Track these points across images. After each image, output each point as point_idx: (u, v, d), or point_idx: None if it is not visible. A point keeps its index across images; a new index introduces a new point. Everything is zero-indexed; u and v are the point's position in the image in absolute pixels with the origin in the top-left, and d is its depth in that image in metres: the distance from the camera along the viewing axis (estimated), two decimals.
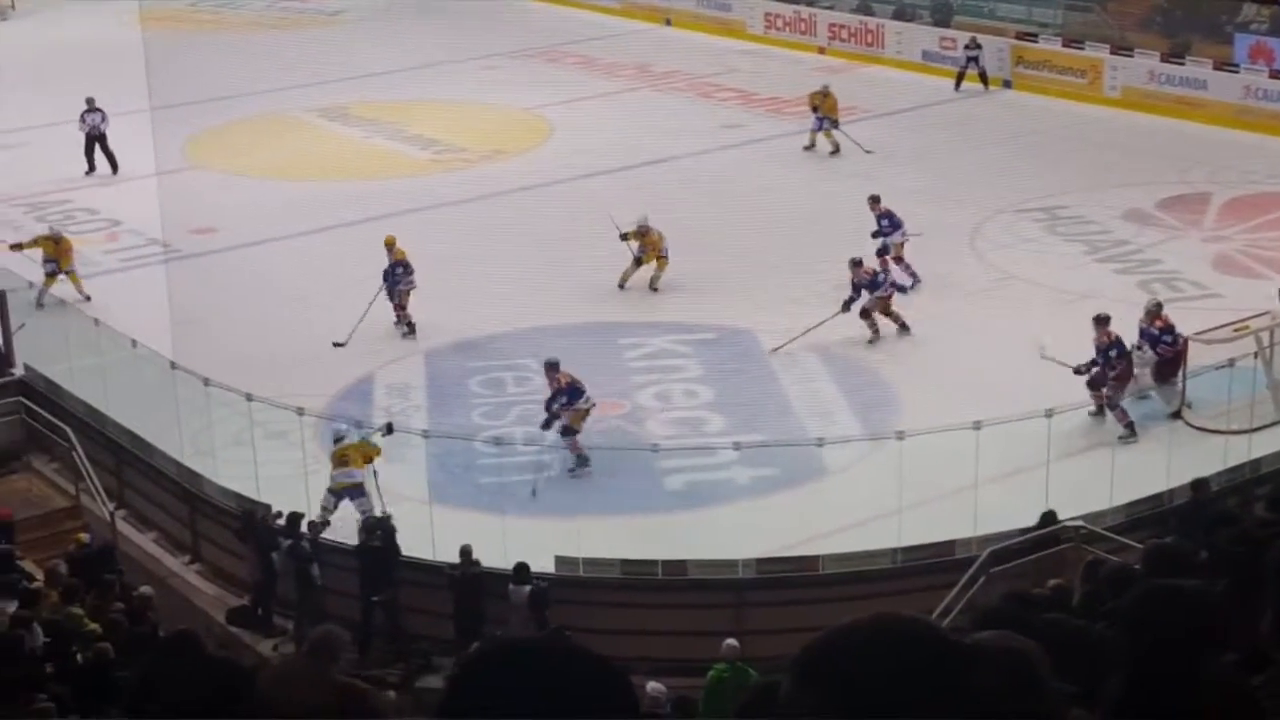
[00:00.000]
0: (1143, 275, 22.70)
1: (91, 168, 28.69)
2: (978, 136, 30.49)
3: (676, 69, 36.28)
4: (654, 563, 15.73)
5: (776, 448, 17.70)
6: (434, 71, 36.45)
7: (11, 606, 13.46)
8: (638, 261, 22.62)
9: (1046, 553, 15.14)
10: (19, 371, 20.52)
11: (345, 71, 36.19)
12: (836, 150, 28.89)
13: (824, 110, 29.15)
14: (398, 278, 21.45)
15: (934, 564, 15.45)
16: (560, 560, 15.72)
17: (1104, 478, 16.18)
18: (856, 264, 20.56)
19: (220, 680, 3.39)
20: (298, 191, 28.21)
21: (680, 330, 21.47)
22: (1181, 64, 31.30)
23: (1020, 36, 34.32)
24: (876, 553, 15.59)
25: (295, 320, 22.04)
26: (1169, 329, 18.48)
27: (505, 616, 15.30)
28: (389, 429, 17.61)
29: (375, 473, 16.91)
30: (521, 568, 15.28)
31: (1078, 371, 17.97)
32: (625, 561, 15.76)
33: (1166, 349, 18.41)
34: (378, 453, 17.26)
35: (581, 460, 17.75)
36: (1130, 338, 18.46)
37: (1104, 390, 18.00)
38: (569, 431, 17.86)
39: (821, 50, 37.16)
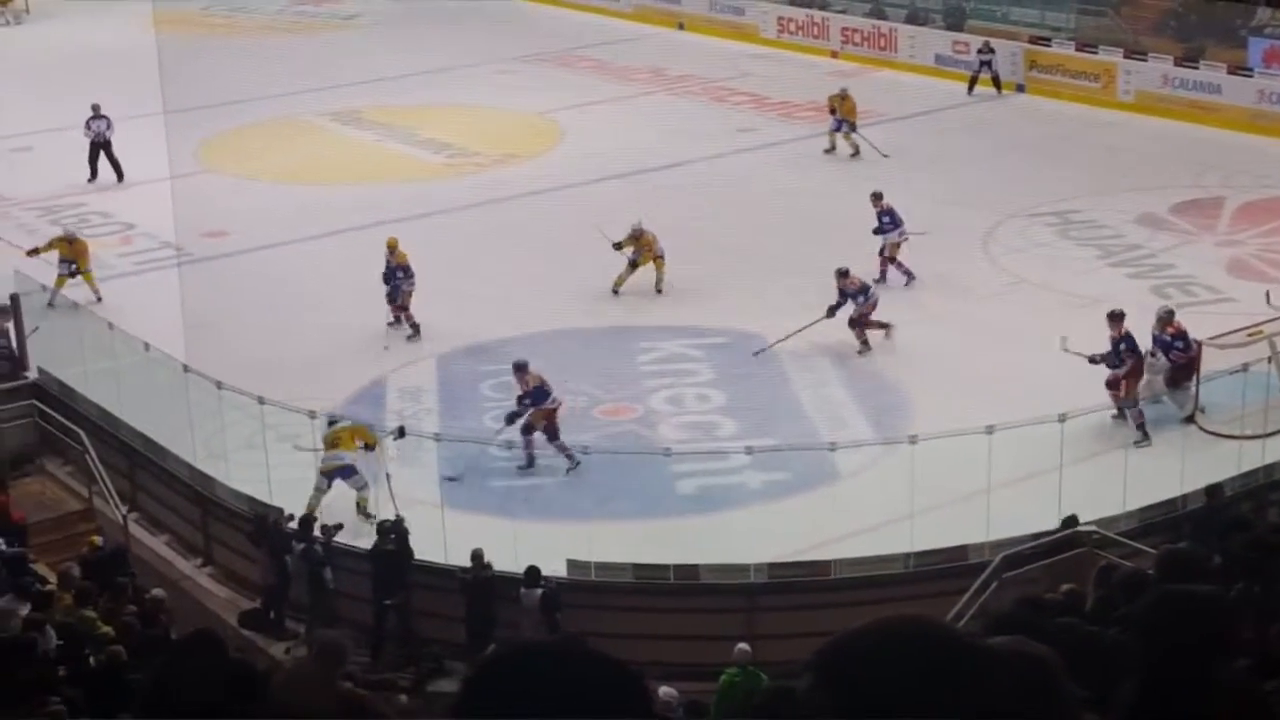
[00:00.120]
0: (1156, 280, 22.66)
1: (94, 175, 28.60)
2: (990, 141, 30.45)
3: (689, 73, 36.30)
4: (666, 567, 15.72)
5: (788, 452, 17.69)
6: (447, 76, 36.51)
7: (24, 609, 13.49)
8: (633, 265, 22.64)
9: (1059, 558, 15.10)
10: (33, 375, 20.57)
11: (358, 76, 36.24)
12: (857, 153, 28.90)
13: (842, 113, 29.18)
14: (399, 281, 21.50)
15: (946, 569, 15.42)
16: (572, 564, 15.71)
17: (1117, 483, 16.14)
18: (843, 274, 20.57)
19: (237, 681, 3.39)
20: (310, 195, 28.25)
21: (692, 334, 21.46)
22: (1195, 68, 31.24)
23: (1033, 41, 34.28)
24: (889, 557, 15.56)
25: (308, 324, 22.06)
26: (1180, 335, 18.45)
27: (516, 620, 15.30)
28: (401, 433, 17.64)
29: (389, 476, 16.92)
30: (532, 571, 15.28)
31: (1093, 360, 18.05)
32: (637, 566, 15.76)
33: (1179, 355, 18.38)
34: (374, 440, 17.38)
35: (529, 460, 17.95)
36: (1143, 343, 18.45)
37: (1120, 386, 18.04)
38: (529, 429, 17.96)
39: (834, 54, 37.16)
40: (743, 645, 13.86)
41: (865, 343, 20.54)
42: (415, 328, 21.47)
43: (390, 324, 21.60)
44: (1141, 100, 31.61)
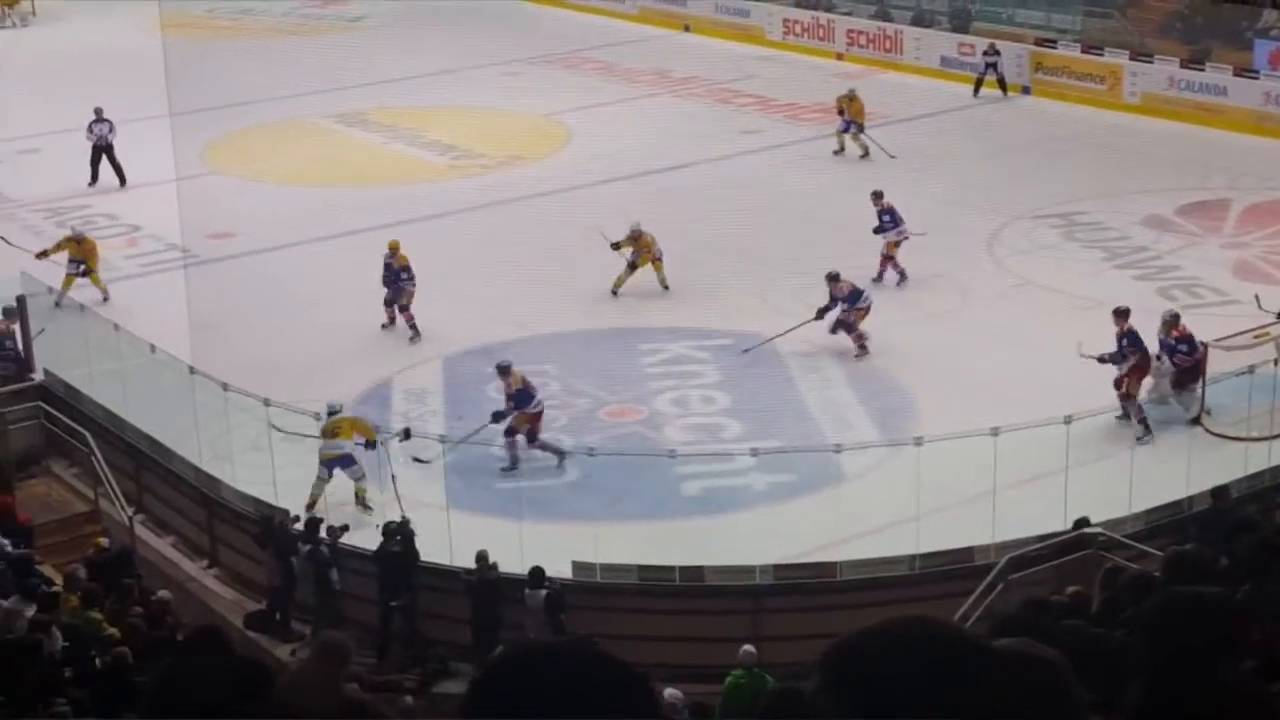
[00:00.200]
0: (1162, 282, 22.64)
1: (94, 179, 28.54)
2: (996, 142, 30.44)
3: (695, 75, 36.30)
4: (671, 569, 15.73)
5: (794, 454, 17.69)
6: (453, 77, 36.52)
7: (30, 610, 13.50)
8: (631, 267, 22.67)
9: (1065, 560, 15.09)
10: (39, 376, 20.59)
11: (364, 78, 36.27)
12: (866, 154, 28.92)
13: (850, 114, 29.22)
14: (403, 283, 21.54)
15: (952, 571, 15.41)
16: (577, 566, 15.72)
17: (1123, 484, 16.12)
18: (833, 279, 20.57)
19: (245, 679, 3.39)
20: (316, 197, 28.27)
21: (698, 336, 21.47)
22: (1201, 70, 31.22)
23: (1039, 43, 34.26)
24: (894, 559, 15.55)
25: (313, 325, 22.08)
26: (1185, 339, 18.46)
27: (521, 621, 15.30)
28: (407, 434, 17.66)
29: (395, 478, 16.93)
30: (536, 572, 15.29)
31: (1102, 360, 18.11)
32: (642, 567, 15.76)
33: (1183, 359, 18.38)
34: (372, 435, 17.48)
35: (513, 462, 18.05)
36: (1150, 346, 18.47)
37: (1123, 384, 18.09)
38: (511, 432, 18.06)
39: (840, 56, 37.15)
40: (748, 647, 13.86)
41: (863, 346, 20.51)
42: (415, 329, 21.52)
43: (384, 326, 21.64)
44: (1147, 102, 31.59)
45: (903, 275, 22.78)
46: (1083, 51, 33.31)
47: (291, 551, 16.35)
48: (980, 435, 15.79)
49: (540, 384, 20.21)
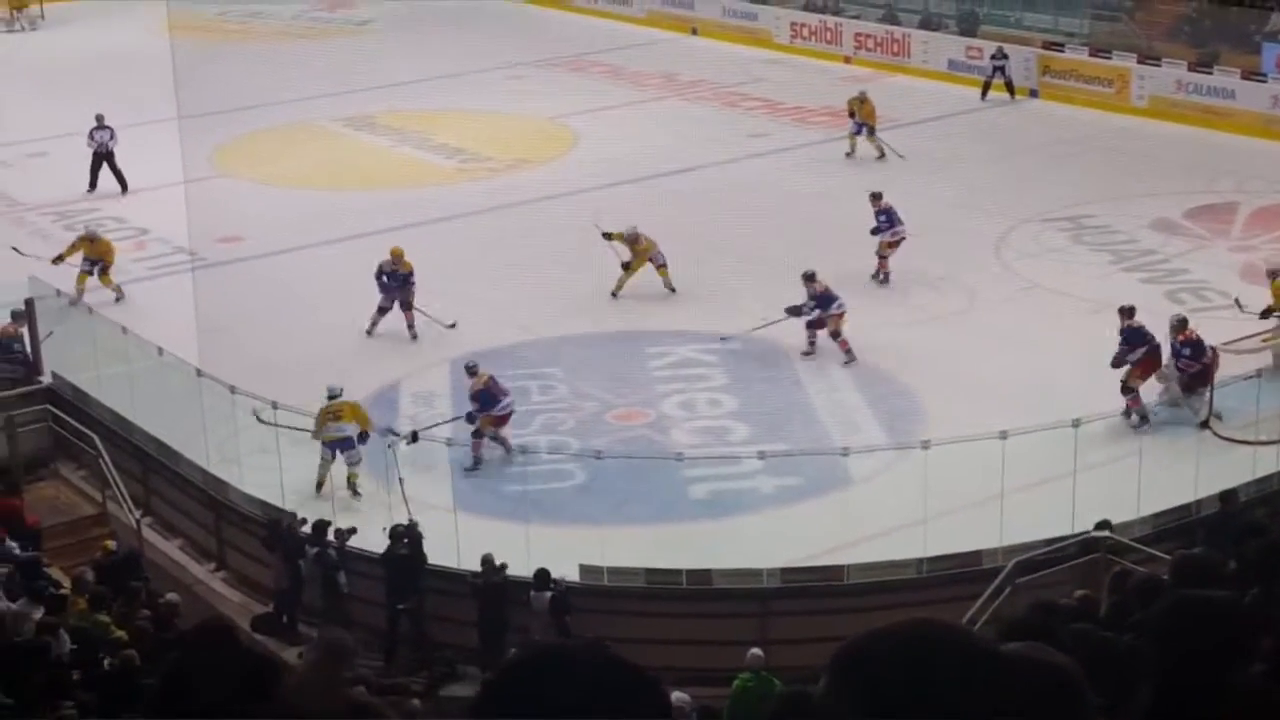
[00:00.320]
0: (1170, 285, 22.62)
1: (93, 186, 28.50)
2: (1004, 146, 30.42)
3: (702, 78, 36.30)
4: (679, 572, 15.72)
5: (801, 457, 17.68)
6: (460, 81, 36.55)
7: (38, 613, 13.51)
8: (625, 267, 22.72)
9: (1073, 563, 15.08)
10: (47, 379, 20.62)
11: (372, 81, 36.30)
12: (882, 156, 28.92)
13: (861, 116, 29.24)
14: (412, 286, 21.67)
15: (960, 574, 15.41)
16: (585, 569, 15.72)
17: (1131, 488, 16.11)
18: (809, 278, 20.59)
19: (252, 673, 3.39)
20: (324, 200, 28.29)
21: (705, 339, 21.45)
22: (1209, 73, 31.19)
23: (1047, 46, 34.23)
24: (902, 563, 15.55)
25: (321, 328, 22.09)
26: (1189, 343, 18.46)
27: (527, 624, 15.30)
28: (414, 437, 17.67)
29: (402, 480, 16.94)
30: (542, 574, 15.30)
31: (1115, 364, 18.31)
32: (650, 570, 15.76)
33: (1187, 363, 18.38)
34: (369, 426, 17.79)
35: (476, 461, 18.14)
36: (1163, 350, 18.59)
37: (1130, 376, 18.22)
38: (478, 434, 18.17)
39: (847, 60, 37.14)
40: (756, 650, 13.84)
41: (813, 346, 20.61)
42: (415, 333, 21.75)
43: (367, 330, 21.73)
44: (1155, 105, 31.56)
45: (886, 277, 22.87)
46: (1090, 55, 33.28)
47: (299, 554, 16.37)
48: (988, 438, 15.78)
49: (545, 386, 20.28)
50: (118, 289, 23.50)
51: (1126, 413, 18.22)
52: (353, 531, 16.51)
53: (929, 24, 37.20)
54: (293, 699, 3.48)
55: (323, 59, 39.51)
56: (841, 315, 20.51)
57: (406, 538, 15.89)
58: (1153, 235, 24.88)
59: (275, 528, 16.69)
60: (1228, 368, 18.46)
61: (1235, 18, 32.57)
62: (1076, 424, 16.29)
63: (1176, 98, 31.36)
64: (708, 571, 15.68)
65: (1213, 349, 18.48)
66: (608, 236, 22.73)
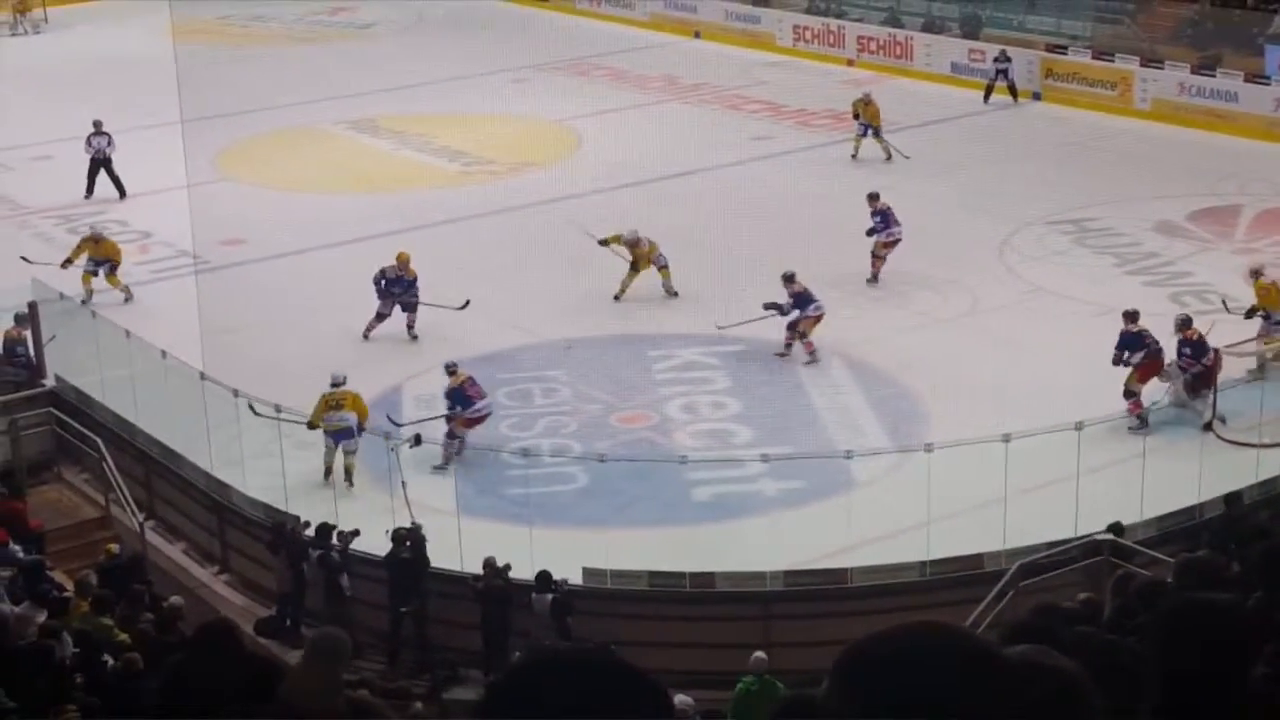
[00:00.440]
0: (1173, 288, 22.60)
1: (90, 192, 28.49)
2: (1007, 149, 30.41)
3: (705, 81, 36.29)
4: (682, 575, 15.72)
5: (804, 460, 17.65)
6: (462, 84, 36.56)
7: (41, 616, 13.51)
8: (633, 269, 22.71)
9: (1076, 566, 15.07)
10: (50, 382, 20.63)
11: (374, 84, 36.33)
12: (889, 157, 28.95)
13: (866, 117, 29.28)
14: (416, 292, 21.71)
15: (963, 577, 15.41)
16: (588, 572, 15.71)
17: (1135, 491, 16.10)
18: (788, 279, 20.64)
19: (256, 675, 3.39)
20: (327, 203, 28.30)
21: (708, 342, 21.45)
22: (1212, 76, 31.17)
23: (1050, 49, 34.22)
24: (905, 566, 15.54)
25: (323, 331, 22.11)
26: (1189, 342, 18.49)
27: (529, 627, 15.29)
28: (417, 440, 17.67)
29: (405, 484, 16.94)
30: (543, 576, 15.30)
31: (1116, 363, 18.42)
32: (653, 573, 15.75)
33: (1188, 361, 18.42)
34: (365, 415, 18.07)
35: (446, 461, 18.18)
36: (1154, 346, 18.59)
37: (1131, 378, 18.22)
38: (451, 435, 18.22)
39: (850, 62, 37.14)
40: (759, 653, 13.84)
41: (789, 348, 20.66)
42: (414, 332, 21.87)
43: (364, 334, 21.75)
44: (1158, 108, 31.55)
45: (875, 277, 22.95)
46: (1093, 57, 33.26)
47: (303, 557, 16.37)
48: (991, 441, 15.77)
49: (549, 389, 20.29)
50: (126, 289, 23.58)
51: (1133, 419, 18.21)
52: (356, 534, 16.50)
53: (932, 27, 37.20)
54: (289, 699, 3.48)
55: (325, 62, 39.50)
56: (818, 317, 20.58)
57: (409, 541, 15.88)
58: (1156, 238, 24.86)
59: (279, 531, 16.70)
60: (1230, 370, 18.46)
61: (1238, 20, 32.57)
62: (1079, 427, 16.28)
63: (1179, 100, 31.34)
64: (711, 574, 15.67)
65: (1215, 350, 18.49)
66: (604, 243, 22.75)
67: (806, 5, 40.16)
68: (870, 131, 29.20)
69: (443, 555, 15.96)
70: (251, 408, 18.04)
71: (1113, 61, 32.77)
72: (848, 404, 19.70)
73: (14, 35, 44.17)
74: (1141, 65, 32.26)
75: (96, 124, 28.63)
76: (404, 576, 15.91)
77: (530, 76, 37.21)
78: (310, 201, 28.43)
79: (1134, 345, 18.43)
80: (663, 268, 22.77)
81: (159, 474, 19.04)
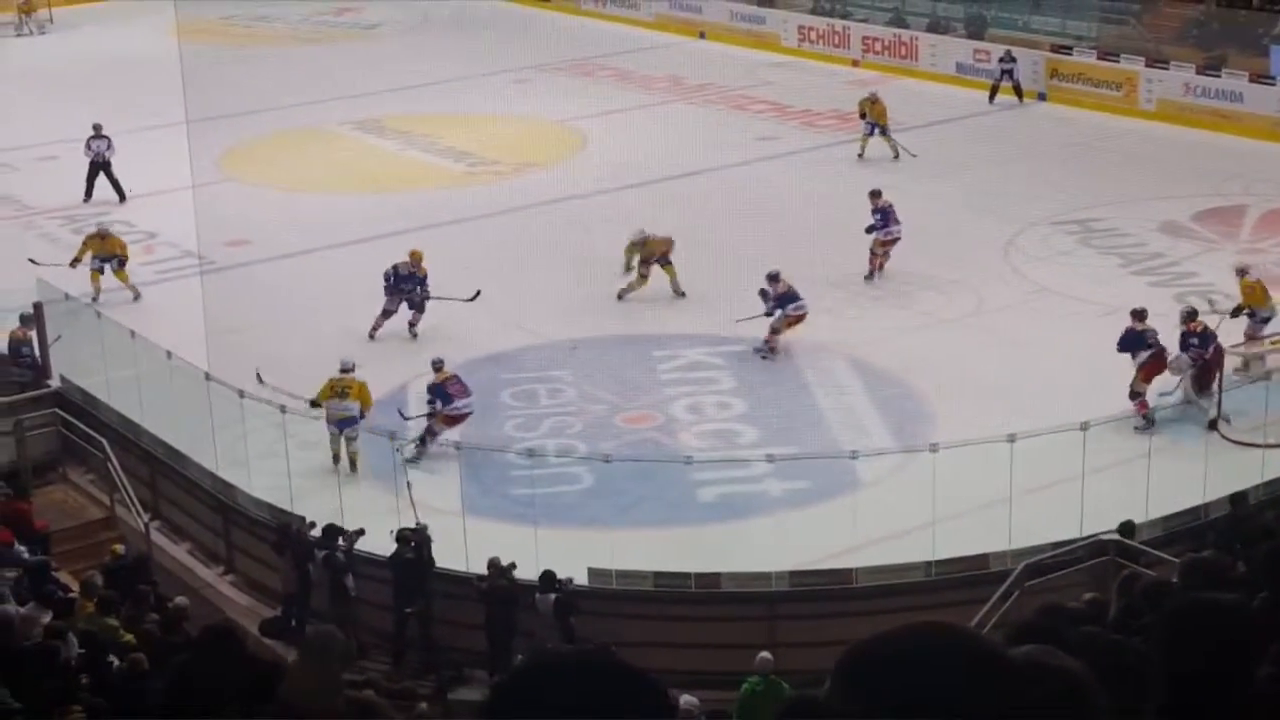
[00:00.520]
0: (1178, 288, 22.58)
1: (89, 195, 28.48)
2: (1012, 149, 30.41)
3: (710, 82, 36.30)
4: (687, 575, 15.71)
5: (810, 460, 17.65)
6: (467, 84, 36.57)
7: (47, 617, 13.51)
8: (643, 278, 22.77)
9: (1082, 566, 15.05)
10: (55, 383, 20.63)
11: (379, 84, 36.35)
12: (896, 156, 28.96)
13: (872, 116, 29.30)
14: (426, 290, 21.77)
15: (968, 577, 15.39)
16: (593, 572, 15.71)
17: (1140, 491, 16.09)
18: (772, 279, 20.73)
19: (258, 676, 3.39)
20: (332, 204, 28.32)
21: (713, 342, 21.45)
22: (1217, 76, 31.16)
23: (1055, 49, 34.21)
24: (910, 566, 15.53)
25: (328, 332, 22.09)
26: (1196, 333, 18.56)
27: (533, 627, 15.28)
28: (417, 454, 17.72)
29: (410, 484, 16.94)
30: (547, 576, 15.29)
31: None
32: (658, 574, 15.74)
33: (1196, 353, 18.48)
34: (369, 405, 18.33)
35: (418, 455, 18.20)
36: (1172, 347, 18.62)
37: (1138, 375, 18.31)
38: (432, 431, 18.34)
39: (855, 63, 37.14)
40: (764, 654, 13.84)
41: (772, 349, 20.71)
42: (415, 330, 21.96)
43: (370, 335, 21.77)
44: (1163, 109, 31.53)
45: (871, 274, 23.01)
46: (1098, 58, 33.26)
47: (308, 558, 16.36)
48: (996, 441, 15.76)
49: (554, 390, 20.28)
50: (134, 288, 23.62)
51: (1139, 419, 18.22)
52: (360, 534, 16.50)
53: (937, 27, 37.20)
54: (288, 699, 3.48)
55: (330, 62, 39.56)
56: (800, 317, 20.63)
57: (414, 541, 15.89)
58: (1161, 238, 24.85)
59: (284, 531, 16.70)
60: (1227, 368, 18.52)
61: (1244, 21, 32.55)
62: (1085, 427, 16.27)
63: (1184, 101, 31.32)
64: (716, 574, 15.67)
65: (1217, 345, 18.54)
66: (630, 267, 22.78)
67: (811, 6, 40.17)
68: (877, 130, 29.21)
69: (448, 556, 15.95)
70: (259, 376, 18.13)
71: (1118, 62, 32.75)
72: (853, 404, 19.69)
73: (19, 36, 44.23)
74: (1146, 66, 32.24)
75: (96, 127, 28.64)
76: (409, 577, 15.91)
77: (535, 77, 37.25)
78: (315, 202, 28.45)
79: (1136, 344, 18.43)
80: (668, 264, 22.79)
81: (164, 474, 19.05)
